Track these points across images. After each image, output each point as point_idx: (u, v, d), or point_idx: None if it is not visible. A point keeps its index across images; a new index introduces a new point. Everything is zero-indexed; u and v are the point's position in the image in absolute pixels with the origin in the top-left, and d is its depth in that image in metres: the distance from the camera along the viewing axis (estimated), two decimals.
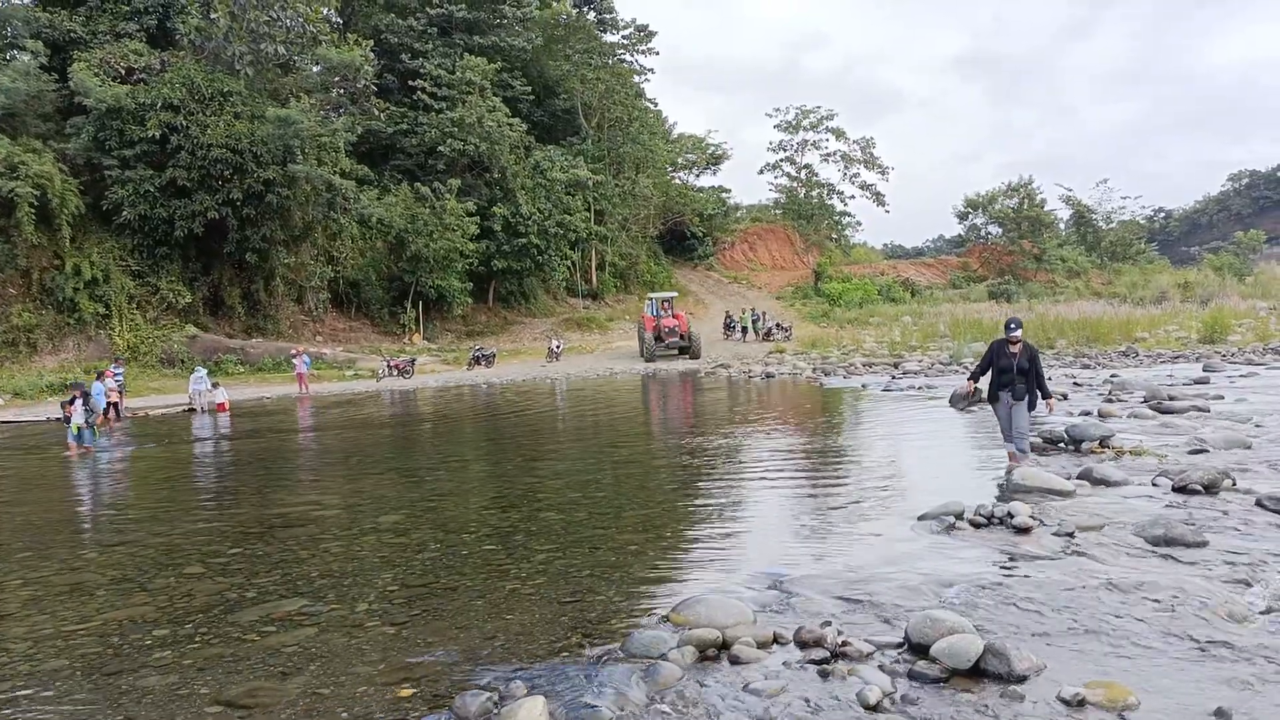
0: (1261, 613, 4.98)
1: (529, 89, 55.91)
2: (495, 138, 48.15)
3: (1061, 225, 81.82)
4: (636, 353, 40.97)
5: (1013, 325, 9.74)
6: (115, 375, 24.98)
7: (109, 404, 24.14)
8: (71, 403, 16.60)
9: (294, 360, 32.34)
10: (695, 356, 38.51)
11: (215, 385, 26.40)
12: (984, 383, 10.33)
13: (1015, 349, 9.68)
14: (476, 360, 39.52)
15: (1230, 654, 4.45)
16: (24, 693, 4.76)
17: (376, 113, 46.77)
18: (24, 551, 8.67)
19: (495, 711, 4.12)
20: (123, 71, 37.67)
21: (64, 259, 34.07)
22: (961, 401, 10.27)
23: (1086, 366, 24.65)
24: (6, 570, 7.63)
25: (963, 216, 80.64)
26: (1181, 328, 33.51)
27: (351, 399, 28.17)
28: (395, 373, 35.29)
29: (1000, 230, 77.16)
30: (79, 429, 16.31)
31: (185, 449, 17.51)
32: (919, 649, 4.60)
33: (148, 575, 7.12)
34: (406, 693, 4.52)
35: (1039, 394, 9.79)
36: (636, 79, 66.38)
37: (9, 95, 34.35)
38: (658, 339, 38.74)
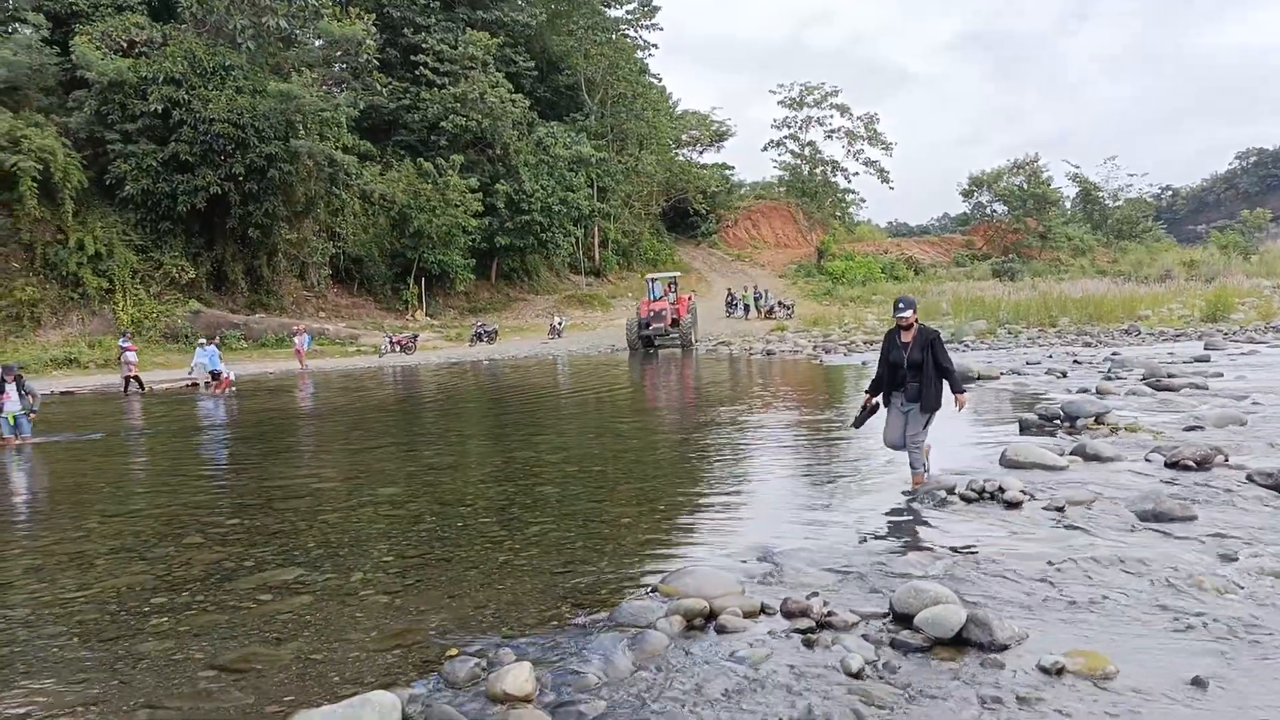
0: (1243, 584, 5.03)
1: (532, 64, 55.68)
2: (498, 113, 48.03)
3: (1067, 203, 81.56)
4: None
5: (901, 305, 7.71)
6: (125, 348, 25.21)
7: (130, 377, 24.28)
8: (1, 391, 14.28)
9: (294, 338, 32.50)
10: (686, 346, 33.28)
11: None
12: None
13: (907, 337, 7.69)
14: (479, 337, 39.61)
15: (1211, 625, 4.50)
16: (22, 658, 4.84)
17: (379, 88, 46.63)
18: (26, 521, 8.79)
19: (483, 677, 4.19)
20: (124, 45, 37.59)
21: (67, 233, 34.13)
22: (863, 417, 8.20)
23: (1088, 344, 24.67)
24: (8, 540, 7.72)
25: (968, 194, 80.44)
26: (1185, 306, 33.46)
27: (354, 375, 28.27)
28: (398, 349, 35.41)
29: (1005, 208, 76.86)
30: (14, 417, 14.24)
31: (189, 422, 17.60)
32: (903, 619, 4.65)
33: (147, 545, 7.20)
34: (397, 658, 4.60)
35: (941, 392, 7.69)
36: (640, 55, 66.20)
37: (11, 69, 34.31)
38: (642, 326, 33.37)
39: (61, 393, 24.30)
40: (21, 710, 4.17)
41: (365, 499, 8.76)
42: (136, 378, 24.45)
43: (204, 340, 26.14)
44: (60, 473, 12.04)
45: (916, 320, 7.74)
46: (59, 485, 11.08)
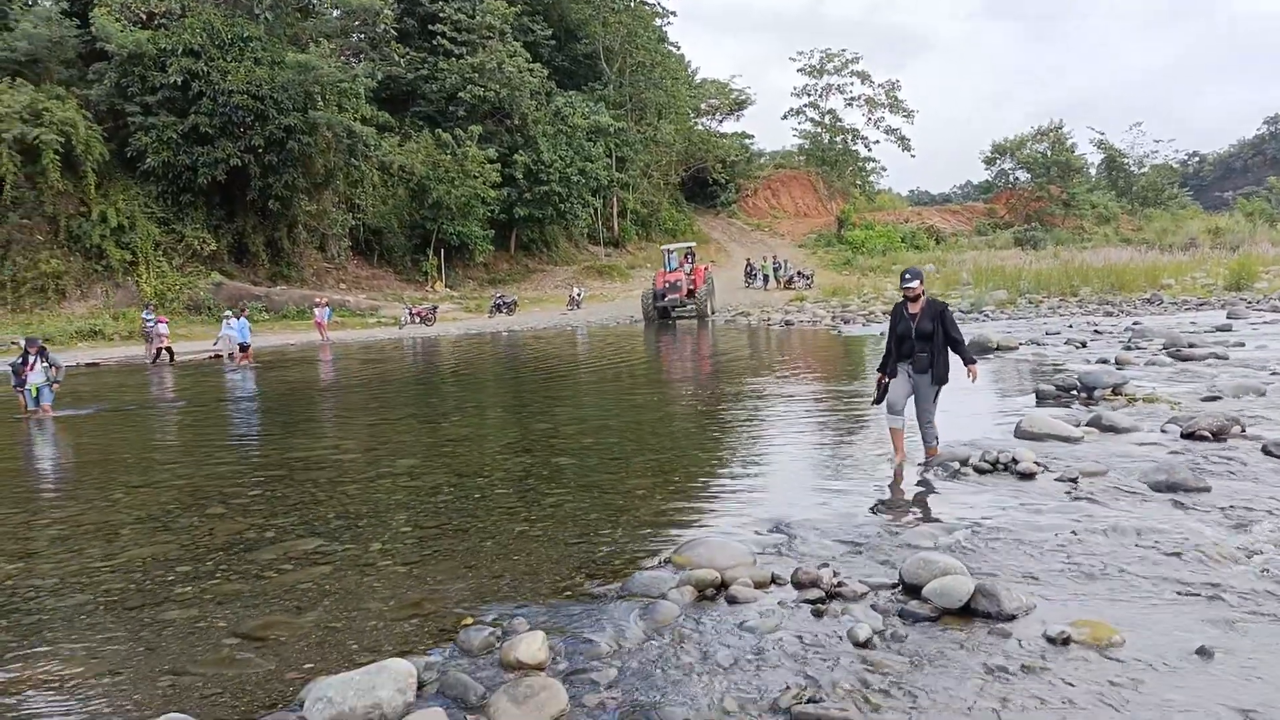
0: (1253, 555, 5.04)
1: (550, 33, 55.31)
2: (516, 83, 47.82)
3: (1092, 170, 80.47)
4: None
5: (907, 276, 7.70)
6: (148, 321, 25.58)
7: (163, 348, 24.75)
8: (24, 363, 14.46)
9: (315, 309, 32.73)
10: (702, 316, 33.25)
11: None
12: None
13: (914, 308, 7.68)
14: (498, 308, 39.72)
15: (1219, 595, 4.52)
16: (50, 626, 4.98)
17: (396, 58, 46.49)
18: (53, 492, 8.97)
19: (497, 645, 4.28)
20: (143, 16, 37.62)
21: (90, 206, 34.40)
22: (881, 395, 8.00)
23: (1110, 314, 24.48)
24: (36, 510, 7.89)
25: (990, 161, 79.54)
26: (1208, 274, 33.09)
27: (374, 346, 28.46)
28: (417, 320, 35.58)
29: (1028, 175, 75.96)
30: (37, 389, 14.42)
31: (212, 394, 17.82)
32: (912, 590, 4.70)
33: (171, 515, 7.34)
34: (414, 627, 4.70)
35: (949, 363, 7.72)
36: (659, 22, 65.57)
37: (31, 41, 34.46)
38: (658, 297, 33.39)
39: (87, 364, 24.63)
40: (50, 676, 4.30)
41: (384, 470, 8.88)
42: (169, 349, 24.95)
43: (230, 313, 26.39)
44: (86, 445, 12.25)
45: (924, 291, 7.76)
46: (85, 457, 11.28)
